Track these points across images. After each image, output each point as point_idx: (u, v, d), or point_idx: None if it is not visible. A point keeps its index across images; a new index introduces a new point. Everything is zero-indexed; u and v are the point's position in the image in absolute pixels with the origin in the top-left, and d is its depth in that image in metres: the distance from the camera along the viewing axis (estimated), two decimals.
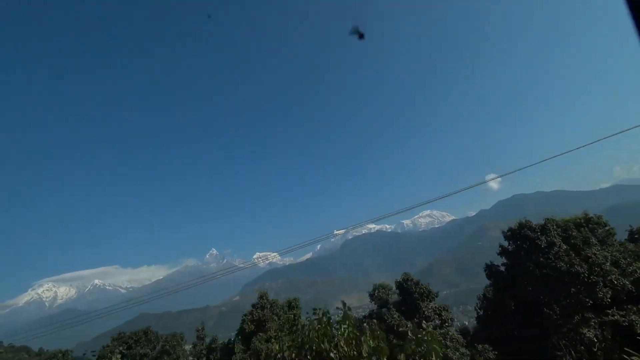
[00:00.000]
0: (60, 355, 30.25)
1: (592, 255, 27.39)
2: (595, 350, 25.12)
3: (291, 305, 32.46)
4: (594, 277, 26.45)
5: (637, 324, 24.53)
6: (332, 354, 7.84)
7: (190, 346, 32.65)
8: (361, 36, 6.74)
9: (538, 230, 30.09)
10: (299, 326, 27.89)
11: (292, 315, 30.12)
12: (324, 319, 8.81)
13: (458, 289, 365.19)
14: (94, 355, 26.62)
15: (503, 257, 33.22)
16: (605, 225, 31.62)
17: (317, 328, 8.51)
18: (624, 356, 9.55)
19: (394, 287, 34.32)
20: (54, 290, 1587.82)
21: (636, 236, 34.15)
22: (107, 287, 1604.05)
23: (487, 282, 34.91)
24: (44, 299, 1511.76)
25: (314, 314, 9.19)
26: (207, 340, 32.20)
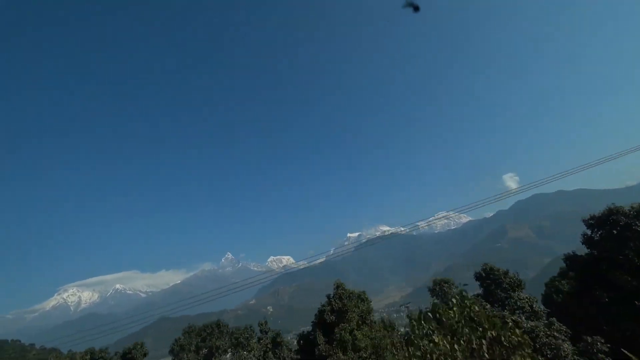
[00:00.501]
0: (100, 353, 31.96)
1: None
2: None
3: (360, 297, 32.11)
4: None
5: None
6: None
7: (255, 340, 32.66)
8: (416, 9, 6.65)
9: (633, 214, 27.45)
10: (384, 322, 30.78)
11: (367, 307, 30.23)
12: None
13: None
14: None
15: (586, 247, 30.84)
16: None
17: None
18: None
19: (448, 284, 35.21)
20: (78, 295, 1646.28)
21: None
22: (128, 292, 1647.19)
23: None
24: (69, 304, 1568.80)
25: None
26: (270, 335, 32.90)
